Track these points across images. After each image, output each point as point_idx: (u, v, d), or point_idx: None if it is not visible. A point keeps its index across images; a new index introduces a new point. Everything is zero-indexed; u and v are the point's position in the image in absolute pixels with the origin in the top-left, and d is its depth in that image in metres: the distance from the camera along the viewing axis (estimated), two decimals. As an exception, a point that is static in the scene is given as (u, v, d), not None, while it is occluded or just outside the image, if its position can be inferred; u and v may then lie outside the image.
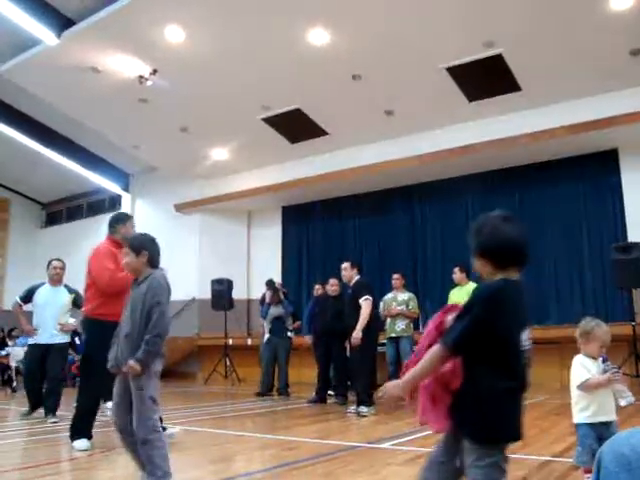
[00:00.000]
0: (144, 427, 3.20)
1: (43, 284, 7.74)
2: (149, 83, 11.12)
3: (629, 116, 9.84)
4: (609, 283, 10.24)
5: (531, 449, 4.64)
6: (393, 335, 9.30)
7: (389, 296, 9.57)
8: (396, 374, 9.25)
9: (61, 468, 4.45)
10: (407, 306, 9.41)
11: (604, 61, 9.52)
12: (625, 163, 10.85)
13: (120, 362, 3.30)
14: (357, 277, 7.93)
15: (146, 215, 16.66)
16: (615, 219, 10.97)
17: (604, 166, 11.13)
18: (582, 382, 3.21)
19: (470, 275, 9.26)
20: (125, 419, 3.29)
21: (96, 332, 4.76)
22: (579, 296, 11.15)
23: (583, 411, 3.27)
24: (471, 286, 8.96)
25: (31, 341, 7.63)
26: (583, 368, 3.26)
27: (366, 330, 7.48)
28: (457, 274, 9.19)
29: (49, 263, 7.75)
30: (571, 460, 3.98)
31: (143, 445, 3.19)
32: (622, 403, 3.25)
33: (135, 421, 3.22)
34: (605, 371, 3.22)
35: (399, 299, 9.43)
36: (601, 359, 3.31)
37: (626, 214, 10.76)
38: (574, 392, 3.32)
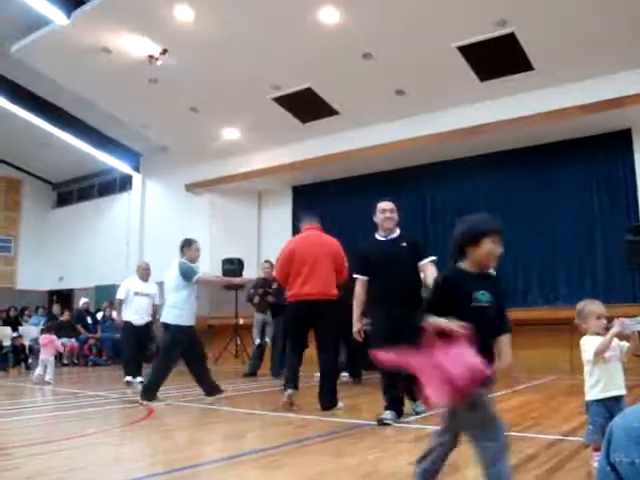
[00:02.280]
0: None
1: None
2: (159, 63, 11.10)
3: (642, 96, 9.75)
4: (620, 264, 10.19)
5: (541, 428, 4.67)
6: None
7: None
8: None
9: (75, 443, 4.51)
10: None
11: (617, 40, 9.40)
12: (638, 143, 10.75)
13: None
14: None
15: (156, 195, 16.72)
16: (628, 199, 10.89)
17: (617, 146, 11.05)
18: (592, 352, 3.25)
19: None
20: None
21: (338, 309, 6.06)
22: (590, 277, 11.12)
23: (593, 388, 3.29)
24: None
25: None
26: (589, 343, 3.31)
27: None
28: None
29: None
30: (581, 439, 4.00)
31: None
32: (638, 328, 3.28)
33: None
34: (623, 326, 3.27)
35: None
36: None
37: (639, 195, 10.69)
38: (586, 369, 3.36)
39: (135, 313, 8.90)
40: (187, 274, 6.73)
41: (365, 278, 5.28)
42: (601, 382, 3.27)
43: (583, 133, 11.08)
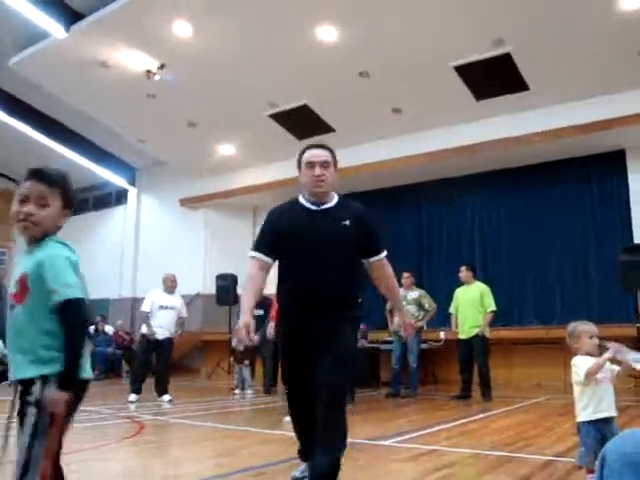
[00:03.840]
0: None
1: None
2: (157, 78, 11.15)
3: (637, 117, 9.82)
4: (614, 284, 10.21)
5: (534, 448, 4.65)
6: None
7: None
8: (401, 371, 9.30)
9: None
10: (419, 304, 9.46)
11: (613, 61, 9.48)
12: (632, 164, 10.82)
13: None
14: None
15: (152, 210, 16.71)
16: (621, 220, 10.95)
17: (611, 167, 11.12)
18: (584, 373, 3.24)
19: (476, 274, 9.29)
20: None
21: None
22: (584, 297, 11.13)
23: (584, 409, 3.29)
24: (478, 286, 8.97)
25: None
26: (580, 364, 3.30)
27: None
28: (464, 273, 9.18)
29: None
30: (573, 460, 3.98)
31: None
32: (638, 366, 3.24)
33: None
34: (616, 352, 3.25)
35: (409, 298, 9.40)
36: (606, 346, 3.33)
37: (632, 215, 10.74)
38: (576, 391, 3.36)
39: (159, 327, 8.53)
40: None
41: (266, 260, 3.38)
42: (592, 403, 3.27)
43: (578, 153, 11.15)
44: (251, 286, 3.37)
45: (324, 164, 3.37)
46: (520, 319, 11.48)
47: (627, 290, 9.51)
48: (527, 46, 9.56)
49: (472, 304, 8.82)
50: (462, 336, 8.85)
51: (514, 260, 11.84)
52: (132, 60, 11.00)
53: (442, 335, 10.61)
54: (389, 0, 9.13)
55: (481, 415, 6.89)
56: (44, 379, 2.02)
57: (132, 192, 17.05)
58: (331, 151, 3.45)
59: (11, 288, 2.19)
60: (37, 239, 2.22)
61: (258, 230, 3.59)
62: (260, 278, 3.38)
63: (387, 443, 4.98)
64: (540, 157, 11.37)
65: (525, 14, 8.97)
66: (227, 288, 13.01)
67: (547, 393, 9.16)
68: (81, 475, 3.89)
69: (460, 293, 9.14)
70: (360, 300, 3.52)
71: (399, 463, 4.21)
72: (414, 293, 9.56)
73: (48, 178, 2.26)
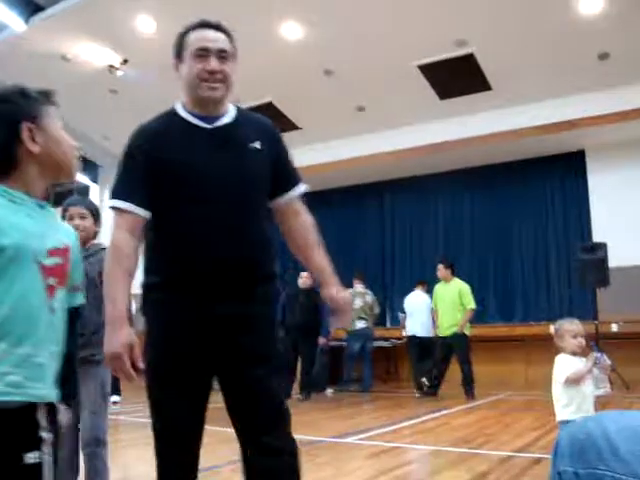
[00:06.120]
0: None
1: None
2: (120, 73, 10.99)
3: (596, 118, 9.99)
4: (574, 282, 10.39)
5: (494, 445, 4.70)
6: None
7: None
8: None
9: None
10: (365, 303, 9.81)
11: (573, 64, 9.62)
12: (591, 165, 11.00)
13: None
14: None
15: (115, 207, 16.48)
16: (581, 219, 11.13)
17: (571, 167, 11.30)
18: (563, 380, 3.21)
19: (455, 272, 9.29)
20: None
21: None
22: (545, 295, 11.30)
23: (565, 408, 3.24)
24: (457, 284, 9.00)
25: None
26: (565, 364, 3.26)
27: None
28: (441, 271, 9.12)
29: None
30: (533, 455, 4.04)
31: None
32: (597, 392, 3.25)
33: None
34: (596, 363, 3.23)
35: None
36: (592, 347, 3.31)
37: (592, 215, 10.92)
38: (556, 389, 3.30)
39: None
40: None
41: (141, 214, 2.04)
42: (574, 403, 3.22)
43: (539, 153, 11.30)
44: (123, 264, 1.96)
45: (222, 54, 2.16)
46: (483, 317, 11.60)
47: (586, 288, 9.67)
48: (490, 47, 9.66)
49: (451, 303, 8.79)
50: (440, 334, 8.87)
51: (477, 259, 11.96)
52: (94, 55, 10.81)
53: (404, 333, 10.67)
54: (354, -2, 9.15)
55: (443, 412, 6.95)
56: None
57: (94, 189, 16.78)
58: (230, 35, 2.26)
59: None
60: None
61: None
62: (133, 248, 1.99)
63: (349, 440, 4.99)
64: (503, 157, 11.49)
65: (488, 16, 9.05)
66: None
67: (509, 389, 9.28)
68: None
69: (439, 290, 9.13)
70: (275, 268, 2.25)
71: (360, 460, 4.22)
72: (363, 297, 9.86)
73: None
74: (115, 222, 2.02)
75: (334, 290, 2.16)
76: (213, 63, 2.12)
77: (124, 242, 1.97)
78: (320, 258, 2.24)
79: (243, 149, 2.11)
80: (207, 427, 2.12)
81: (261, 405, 2.03)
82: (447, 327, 8.76)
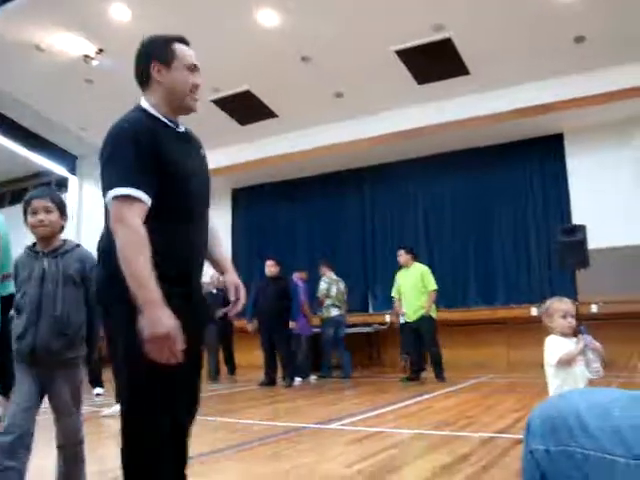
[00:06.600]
0: None
1: None
2: (95, 63, 10.85)
3: (573, 101, 10.05)
4: (554, 264, 10.46)
5: (476, 427, 4.74)
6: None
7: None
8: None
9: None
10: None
11: (550, 47, 9.64)
12: (570, 147, 11.06)
13: None
14: None
15: (93, 199, 16.32)
16: (560, 202, 11.20)
17: (550, 150, 11.35)
18: (554, 361, 3.15)
19: (416, 257, 9.33)
20: None
21: None
22: (526, 277, 11.37)
23: (559, 389, 3.16)
24: (417, 267, 9.03)
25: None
26: (555, 345, 3.18)
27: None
28: (402, 256, 9.12)
29: None
30: (514, 436, 4.07)
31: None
32: (589, 375, 3.19)
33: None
34: (586, 345, 3.13)
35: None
36: (581, 330, 3.22)
37: (571, 197, 10.99)
38: (548, 371, 3.24)
39: None
40: None
41: (146, 200, 2.01)
42: (566, 385, 3.14)
43: (518, 137, 11.34)
44: (145, 252, 1.92)
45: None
46: (465, 300, 11.66)
47: (566, 269, 9.75)
48: (467, 31, 9.65)
49: (414, 287, 8.81)
50: (408, 320, 8.87)
51: (457, 243, 12.00)
52: (69, 44, 10.66)
53: (387, 318, 10.72)
54: (330, -16, 9.09)
55: (425, 396, 6.99)
56: None
57: (73, 181, 16.62)
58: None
59: None
60: None
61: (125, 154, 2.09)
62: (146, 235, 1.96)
63: (333, 426, 5.00)
64: (482, 140, 11.52)
65: (464, 0, 9.04)
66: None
67: (490, 372, 9.35)
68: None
69: (401, 277, 9.14)
70: None
71: (342, 446, 4.23)
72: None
73: None
74: (126, 209, 1.96)
75: (235, 275, 2.39)
76: (199, 79, 2.32)
77: (142, 230, 1.96)
78: (222, 250, 2.48)
79: (201, 153, 2.38)
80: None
81: None
82: (413, 312, 8.75)
